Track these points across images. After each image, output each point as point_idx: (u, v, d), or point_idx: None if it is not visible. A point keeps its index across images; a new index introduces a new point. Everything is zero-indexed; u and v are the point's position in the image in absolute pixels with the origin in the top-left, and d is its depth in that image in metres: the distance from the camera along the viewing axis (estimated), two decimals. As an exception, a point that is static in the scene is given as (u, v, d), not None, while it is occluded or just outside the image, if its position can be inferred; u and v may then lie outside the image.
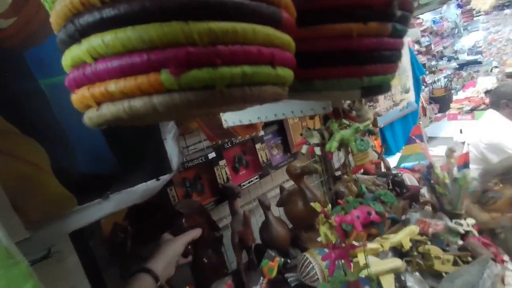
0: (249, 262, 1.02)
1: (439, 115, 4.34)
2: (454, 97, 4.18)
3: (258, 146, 1.16)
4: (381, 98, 1.71)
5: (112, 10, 0.17)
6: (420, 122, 3.57)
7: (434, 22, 5.33)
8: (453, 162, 1.14)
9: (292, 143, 1.23)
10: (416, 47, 4.94)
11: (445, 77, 5.23)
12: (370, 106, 1.33)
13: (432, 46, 5.25)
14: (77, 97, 0.22)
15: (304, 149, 0.50)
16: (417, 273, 0.96)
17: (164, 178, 0.59)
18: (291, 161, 1.19)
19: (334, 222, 0.55)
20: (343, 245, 0.57)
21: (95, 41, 0.18)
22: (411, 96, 1.96)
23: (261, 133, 1.17)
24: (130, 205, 0.56)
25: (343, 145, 0.48)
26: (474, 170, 1.22)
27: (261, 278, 0.89)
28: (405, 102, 1.92)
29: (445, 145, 2.23)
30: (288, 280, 0.92)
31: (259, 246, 1.04)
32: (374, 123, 1.66)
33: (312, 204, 0.61)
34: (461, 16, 4.95)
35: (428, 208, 1.29)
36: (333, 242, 0.57)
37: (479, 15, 4.20)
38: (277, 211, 1.13)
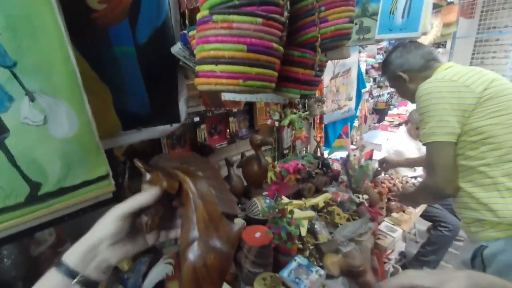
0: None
1: (377, 124, 5.14)
2: (390, 112, 4.97)
3: (231, 119, 1.48)
4: (329, 101, 2.16)
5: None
6: (356, 125, 4.23)
7: (389, 43, 6.06)
8: (362, 155, 1.64)
9: (257, 121, 1.59)
10: (373, 61, 5.63)
11: (388, 93, 6.11)
12: (319, 105, 1.74)
13: (383, 64, 5.96)
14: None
15: (268, 122, 0.85)
16: (323, 222, 1.40)
17: (175, 125, 0.88)
18: (254, 134, 1.55)
19: (277, 169, 0.93)
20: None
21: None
22: (353, 103, 2.47)
23: (235, 110, 1.49)
24: (153, 138, 0.84)
25: (291, 123, 0.85)
26: (374, 163, 1.74)
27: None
28: (347, 108, 2.42)
29: (378, 151, 2.84)
30: (238, 215, 1.29)
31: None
32: (321, 119, 2.12)
33: (267, 158, 0.98)
34: (409, 45, 5.72)
35: (343, 186, 1.78)
36: (275, 180, 0.94)
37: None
38: (236, 172, 1.49)
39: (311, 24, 0.56)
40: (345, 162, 1.64)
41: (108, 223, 0.41)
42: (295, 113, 0.80)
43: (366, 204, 1.57)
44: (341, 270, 0.34)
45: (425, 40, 3.17)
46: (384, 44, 5.90)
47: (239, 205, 1.34)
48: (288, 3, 0.50)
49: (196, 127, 1.30)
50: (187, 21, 0.73)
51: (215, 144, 1.44)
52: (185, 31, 0.73)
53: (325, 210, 1.46)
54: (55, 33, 0.56)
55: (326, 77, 2.08)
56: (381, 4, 1.39)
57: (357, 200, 1.56)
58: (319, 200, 1.48)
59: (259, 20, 0.45)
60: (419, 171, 2.15)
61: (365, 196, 1.61)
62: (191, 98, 1.20)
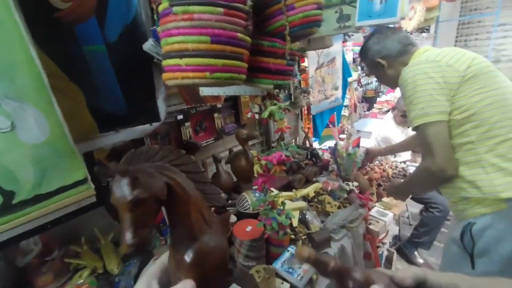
0: (200, 201, 1.35)
1: (367, 112, 5.17)
2: (378, 99, 5.01)
3: (215, 115, 1.47)
4: (315, 91, 2.16)
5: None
6: (346, 114, 4.25)
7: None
8: (350, 143, 1.65)
9: (242, 116, 1.58)
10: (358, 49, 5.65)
11: (376, 81, 6.15)
12: (305, 96, 1.74)
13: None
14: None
15: (249, 115, 0.85)
16: (314, 212, 1.41)
17: (155, 124, 0.87)
18: (240, 129, 1.54)
19: (263, 162, 0.92)
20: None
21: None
22: (339, 93, 2.48)
23: (219, 105, 1.48)
24: (131, 139, 0.83)
25: (271, 115, 0.84)
26: (362, 150, 1.75)
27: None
28: (334, 97, 2.42)
29: (366, 138, 2.86)
30: (229, 210, 1.29)
31: (209, 190, 1.39)
32: (308, 110, 2.12)
33: (252, 151, 0.97)
34: (393, 31, 5.75)
35: (333, 175, 1.79)
36: (261, 173, 0.94)
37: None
38: (225, 168, 1.48)
39: (279, 12, 0.55)
40: (333, 151, 1.65)
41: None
42: (275, 104, 0.80)
43: (357, 191, 1.58)
44: (309, 257, 0.33)
45: (409, 25, 3.18)
46: (369, 30, 5.93)
47: (229, 201, 1.34)
48: (252, -9, 0.49)
49: (180, 125, 1.29)
50: (156, 17, 0.72)
51: (201, 141, 1.42)
52: (155, 27, 0.72)
53: (316, 200, 1.47)
54: (14, 34, 0.54)
55: (311, 68, 2.08)
56: (359, -9, 1.38)
57: (347, 188, 1.57)
58: (310, 190, 1.49)
59: (220, 9, 0.44)
60: (405, 156, 2.18)
61: (355, 184, 1.62)
62: (172, 96, 1.18)
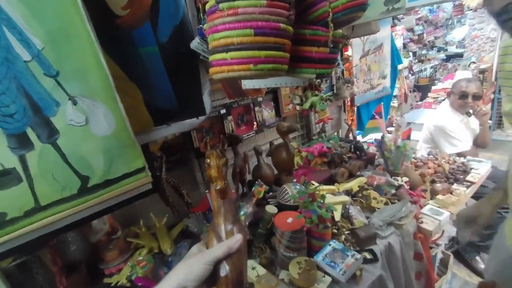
0: (243, 191, 1.41)
1: (420, 103, 4.69)
2: (433, 87, 4.52)
3: (256, 108, 1.50)
4: (360, 81, 2.05)
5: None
6: (395, 105, 3.92)
7: (430, 11, 5.46)
8: (399, 135, 1.54)
9: (283, 109, 1.58)
10: (409, 34, 5.14)
11: (431, 67, 5.54)
12: (348, 87, 1.66)
13: (425, 35, 5.42)
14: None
15: (290, 106, 0.85)
16: (358, 207, 1.36)
17: (201, 118, 0.93)
18: (280, 122, 1.55)
19: (303, 153, 0.92)
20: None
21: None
22: (387, 81, 2.31)
23: (260, 98, 1.50)
24: (182, 131, 0.90)
25: (312, 105, 0.84)
26: (414, 143, 1.62)
27: (252, 198, 1.28)
28: (381, 87, 2.27)
29: (418, 130, 2.62)
30: (270, 202, 1.32)
31: (250, 181, 1.43)
32: (352, 101, 2.04)
33: (292, 143, 0.98)
34: (452, 9, 5.12)
35: (379, 169, 1.69)
36: (301, 165, 0.94)
37: (470, 11, 4.42)
38: (266, 160, 1.51)
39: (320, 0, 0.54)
40: (380, 143, 1.56)
41: (197, 267, 0.44)
42: (316, 95, 0.79)
43: (407, 187, 1.48)
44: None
45: (472, 1, 2.79)
46: (423, 12, 5.35)
47: (270, 193, 1.37)
48: (294, -20, 0.49)
49: (223, 119, 1.35)
50: (201, 15, 0.76)
51: (243, 134, 1.47)
52: (201, 25, 0.76)
53: (360, 195, 1.42)
54: (87, 41, 0.63)
55: (355, 56, 1.97)
56: (409, -31, 1.26)
57: (396, 183, 1.48)
58: (353, 184, 1.44)
59: (263, 2, 0.45)
60: (461, 147, 1.92)
61: (405, 179, 1.52)
62: (216, 91, 1.24)
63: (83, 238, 1.06)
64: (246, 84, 0.84)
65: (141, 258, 0.96)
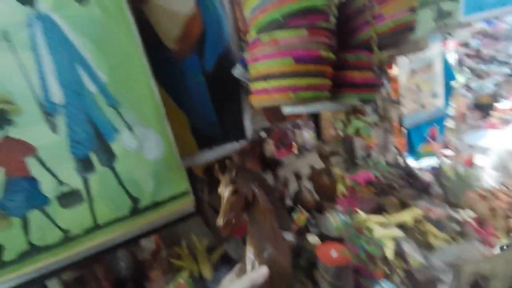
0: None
1: (480, 122, 4.19)
2: (497, 106, 3.99)
3: (297, 131, 1.49)
4: (408, 101, 1.92)
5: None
6: (451, 126, 3.54)
7: (488, 23, 4.99)
8: (460, 161, 1.37)
9: (324, 132, 1.54)
10: (464, 49, 4.73)
11: (493, 84, 4.94)
12: (395, 108, 1.56)
13: (482, 48, 4.94)
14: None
15: (332, 131, 0.82)
16: (414, 243, 1.21)
17: (242, 142, 0.95)
18: (322, 146, 1.50)
19: (347, 181, 0.87)
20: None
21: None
22: (440, 101, 2.11)
23: (300, 122, 1.49)
24: (224, 155, 0.93)
25: (356, 130, 0.80)
26: (478, 169, 1.42)
27: (292, 225, 1.23)
28: (432, 107, 2.08)
29: (483, 155, 2.30)
30: (311, 231, 1.25)
31: (291, 207, 1.39)
32: (400, 123, 1.90)
33: (335, 169, 0.93)
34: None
35: (437, 200, 1.51)
36: (345, 193, 0.88)
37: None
38: (307, 185, 1.46)
39: (364, 24, 0.53)
40: (436, 170, 1.40)
41: None
42: (360, 119, 0.75)
43: (474, 223, 1.28)
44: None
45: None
46: (480, 25, 4.90)
47: (313, 219, 1.30)
48: (335, 8, 0.49)
49: (263, 142, 1.36)
50: (243, 43, 0.80)
51: (282, 157, 1.46)
52: (243, 54, 0.80)
53: (415, 229, 1.26)
54: (143, 74, 0.71)
55: (401, 75, 1.86)
56: (462, -19, 1.18)
57: (458, 217, 1.30)
58: (407, 217, 1.30)
59: (304, 31, 0.46)
60: None
61: (469, 212, 1.32)
62: (256, 114, 1.27)
63: (131, 254, 1.12)
64: (287, 109, 0.85)
65: (182, 281, 0.97)
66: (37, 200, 0.65)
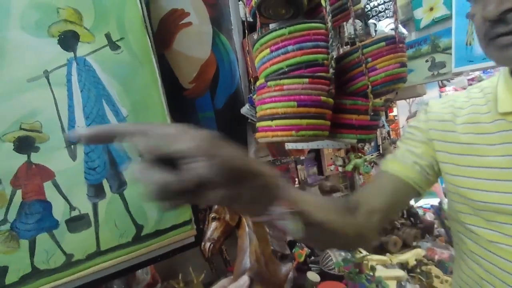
0: (282, 254, 1.34)
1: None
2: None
3: (299, 167, 1.53)
4: (408, 141, 1.97)
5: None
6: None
7: (484, 72, 5.23)
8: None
9: (325, 168, 1.57)
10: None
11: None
12: (395, 147, 1.60)
13: (481, 94, 5.10)
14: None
15: (332, 167, 0.86)
16: (417, 286, 1.18)
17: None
18: (323, 181, 1.53)
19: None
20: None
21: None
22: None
23: (302, 157, 1.54)
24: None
25: (356, 168, 0.84)
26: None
27: (292, 261, 1.21)
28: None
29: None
30: (312, 268, 1.22)
31: (291, 242, 1.37)
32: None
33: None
34: None
35: (440, 241, 1.48)
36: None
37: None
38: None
39: (360, 74, 0.60)
40: (438, 210, 1.40)
41: None
42: (360, 157, 0.79)
43: (478, 266, 1.24)
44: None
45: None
46: (477, 73, 5.13)
47: (312, 258, 1.28)
48: (333, 61, 0.56)
49: (266, 176, 1.39)
50: (252, 87, 0.89)
51: (285, 192, 1.47)
52: (251, 95, 0.88)
53: (418, 270, 1.23)
54: (160, 110, 0.78)
55: (401, 117, 1.95)
56: (454, 39, 1.31)
57: (464, 260, 1.26)
58: (409, 257, 1.27)
59: (306, 80, 0.52)
60: None
61: (475, 255, 1.29)
62: (260, 149, 1.32)
63: (126, 286, 1.09)
64: (289, 145, 0.90)
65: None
66: (48, 223, 0.67)
